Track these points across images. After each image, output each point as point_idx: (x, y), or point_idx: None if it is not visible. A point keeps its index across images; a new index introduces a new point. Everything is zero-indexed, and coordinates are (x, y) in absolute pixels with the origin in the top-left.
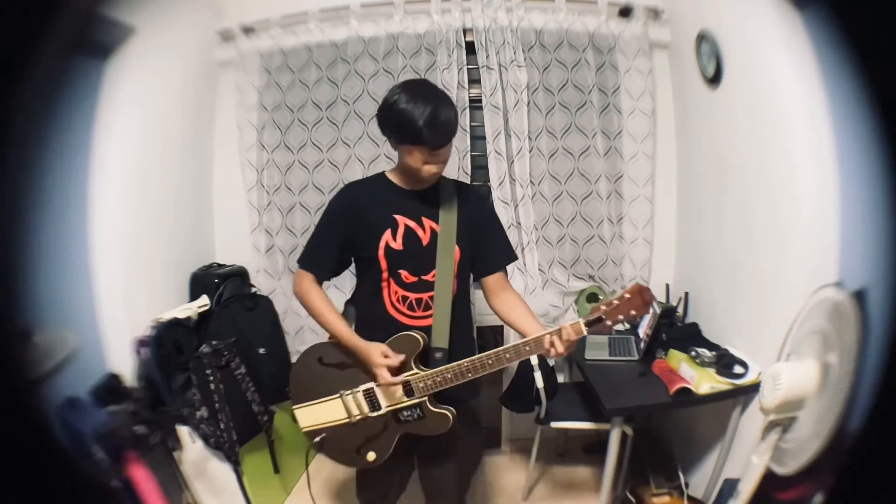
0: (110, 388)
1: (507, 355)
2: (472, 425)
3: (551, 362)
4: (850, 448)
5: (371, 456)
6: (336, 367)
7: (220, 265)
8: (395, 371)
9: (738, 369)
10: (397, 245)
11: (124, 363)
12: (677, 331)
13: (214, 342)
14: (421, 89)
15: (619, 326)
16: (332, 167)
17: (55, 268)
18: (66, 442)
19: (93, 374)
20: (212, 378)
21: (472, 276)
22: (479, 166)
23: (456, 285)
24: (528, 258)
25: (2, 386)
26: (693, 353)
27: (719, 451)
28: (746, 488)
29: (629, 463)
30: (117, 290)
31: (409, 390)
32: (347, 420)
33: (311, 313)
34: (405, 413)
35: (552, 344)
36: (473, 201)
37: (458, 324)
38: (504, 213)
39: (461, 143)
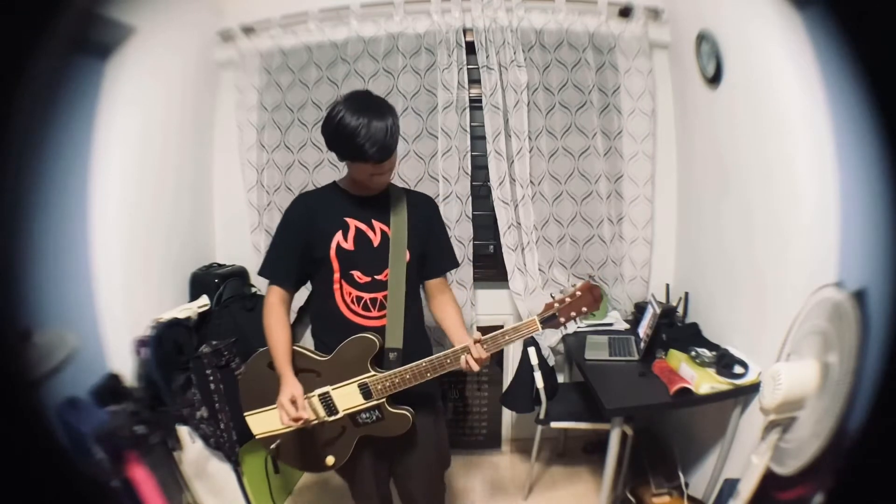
0: (110, 388)
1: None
2: (437, 421)
3: (551, 362)
4: (850, 448)
5: (330, 460)
6: None
7: (220, 265)
8: (349, 372)
9: (738, 369)
10: (349, 245)
11: (124, 363)
12: (677, 331)
13: (214, 342)
14: (362, 104)
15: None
16: (331, 167)
17: (55, 268)
18: (66, 442)
19: (93, 374)
20: (212, 378)
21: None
22: (479, 166)
23: (407, 287)
24: (528, 258)
25: (2, 386)
26: (693, 353)
27: (719, 451)
28: (746, 488)
29: (629, 463)
30: (117, 290)
31: (366, 392)
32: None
33: (264, 331)
34: (363, 416)
35: (467, 363)
36: (421, 207)
37: (411, 324)
38: (504, 213)
39: (461, 143)
